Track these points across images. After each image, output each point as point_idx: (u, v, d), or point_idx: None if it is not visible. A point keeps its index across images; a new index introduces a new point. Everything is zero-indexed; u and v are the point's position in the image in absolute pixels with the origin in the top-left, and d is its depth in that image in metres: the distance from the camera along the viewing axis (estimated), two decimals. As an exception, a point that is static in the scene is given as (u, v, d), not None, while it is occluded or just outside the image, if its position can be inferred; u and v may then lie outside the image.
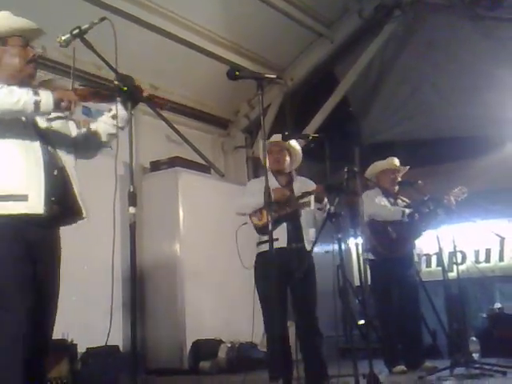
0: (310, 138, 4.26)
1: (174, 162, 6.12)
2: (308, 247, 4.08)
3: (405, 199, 5.07)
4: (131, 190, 2.34)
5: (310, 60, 7.30)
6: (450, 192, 4.79)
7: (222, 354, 5.73)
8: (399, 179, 5.05)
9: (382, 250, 4.87)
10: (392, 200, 5.03)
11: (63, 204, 2.47)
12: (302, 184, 4.26)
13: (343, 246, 3.93)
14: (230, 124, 7.68)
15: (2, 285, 2.30)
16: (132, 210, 2.32)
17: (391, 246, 4.86)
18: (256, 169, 7.35)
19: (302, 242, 4.07)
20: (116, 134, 2.67)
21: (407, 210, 4.84)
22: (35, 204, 2.38)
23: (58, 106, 2.40)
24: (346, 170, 4.12)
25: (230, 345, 5.78)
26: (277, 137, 4.26)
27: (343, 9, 7.00)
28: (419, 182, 4.86)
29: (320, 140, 4.11)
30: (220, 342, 5.83)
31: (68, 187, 2.52)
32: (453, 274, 4.86)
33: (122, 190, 2.47)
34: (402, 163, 5.15)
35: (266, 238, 4.01)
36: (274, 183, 4.11)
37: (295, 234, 4.06)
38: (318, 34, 7.09)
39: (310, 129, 6.95)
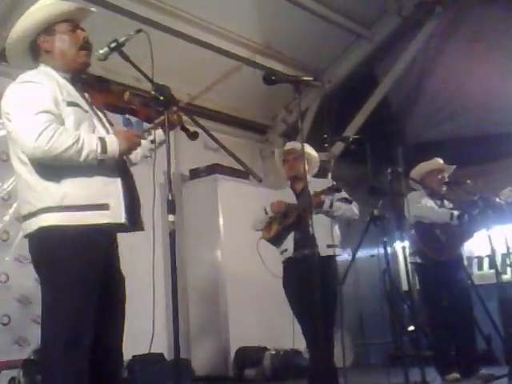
0: (350, 139, 4.18)
1: (213, 169, 6.13)
2: (323, 251, 3.91)
3: (452, 200, 4.91)
4: (170, 198, 2.33)
5: (348, 61, 7.20)
6: (500, 192, 4.61)
7: (266, 361, 5.70)
8: (446, 179, 4.90)
9: (429, 253, 4.71)
10: (439, 202, 4.88)
11: (134, 213, 2.46)
12: (321, 186, 4.13)
13: (389, 250, 3.83)
14: (268, 129, 7.65)
15: (77, 296, 2.27)
16: (171, 218, 2.31)
17: (440, 249, 4.69)
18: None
19: (312, 247, 3.99)
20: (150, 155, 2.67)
21: (456, 212, 4.67)
22: (116, 213, 2.36)
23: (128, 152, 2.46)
24: (389, 171, 4.01)
25: (274, 352, 5.74)
26: (291, 144, 4.29)
27: (382, 8, 6.87)
28: (468, 181, 4.70)
29: (361, 142, 4.04)
30: (264, 349, 5.79)
31: (136, 196, 2.51)
32: (507, 277, 4.68)
33: (163, 198, 2.45)
34: (448, 162, 5.01)
35: (280, 248, 4.17)
36: (289, 192, 4.19)
37: (304, 241, 3.96)
38: (356, 34, 6.99)
39: (351, 131, 6.85)
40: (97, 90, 2.53)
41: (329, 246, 3.99)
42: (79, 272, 2.28)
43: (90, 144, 2.29)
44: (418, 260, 4.81)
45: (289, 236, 4.06)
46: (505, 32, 6.38)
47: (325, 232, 3.98)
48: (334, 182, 3.95)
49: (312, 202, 3.85)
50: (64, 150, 2.23)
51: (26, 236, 2.41)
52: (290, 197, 4.17)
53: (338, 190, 3.90)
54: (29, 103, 2.28)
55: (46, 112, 2.27)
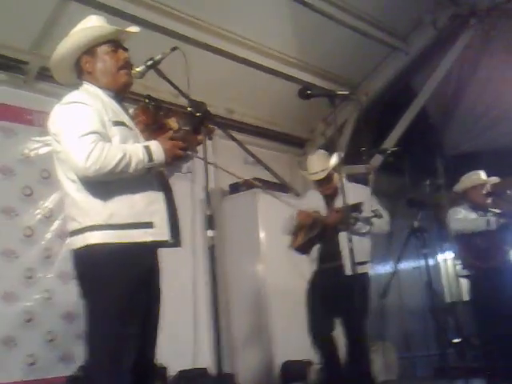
0: (389, 152, 4.18)
1: (253, 183, 6.16)
2: (348, 270, 3.88)
3: (497, 211, 4.85)
4: (208, 213, 2.36)
5: (385, 74, 7.18)
6: None
7: (312, 375, 5.66)
8: (490, 191, 4.85)
9: (473, 261, 4.68)
10: (482, 213, 4.84)
11: (175, 229, 2.50)
12: (353, 195, 3.98)
13: (431, 262, 3.80)
14: (307, 143, 7.67)
15: (119, 313, 2.30)
16: (210, 233, 2.34)
17: (482, 257, 4.66)
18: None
19: (337, 261, 3.95)
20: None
21: (492, 218, 4.64)
22: (161, 231, 2.41)
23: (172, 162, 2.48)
24: (427, 183, 4.00)
25: (319, 366, 5.69)
26: (313, 168, 4.27)
27: (417, 21, 6.85)
28: (508, 191, 4.66)
29: (399, 154, 4.04)
30: (309, 363, 5.75)
31: (176, 212, 2.54)
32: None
33: (203, 213, 2.48)
34: (488, 173, 4.96)
35: (309, 257, 4.18)
36: (318, 201, 4.18)
37: (329, 254, 3.97)
38: (392, 47, 6.98)
39: (389, 143, 6.81)
40: (150, 117, 2.56)
41: (357, 264, 3.94)
42: (123, 289, 2.31)
43: (136, 155, 2.34)
44: (467, 272, 4.77)
45: (315, 248, 4.08)
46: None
47: (349, 246, 3.96)
48: (359, 202, 3.87)
49: (330, 222, 3.89)
50: (114, 166, 2.28)
51: (71, 252, 2.44)
52: (317, 200, 4.18)
53: (359, 211, 3.83)
54: (75, 125, 2.33)
55: (93, 133, 2.32)
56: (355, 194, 4.03)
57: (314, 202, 4.19)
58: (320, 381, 5.58)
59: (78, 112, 2.37)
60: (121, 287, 2.31)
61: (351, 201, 3.90)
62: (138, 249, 2.36)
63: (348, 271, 3.92)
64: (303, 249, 4.17)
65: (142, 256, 2.38)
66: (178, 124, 2.53)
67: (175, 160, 2.49)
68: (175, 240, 2.49)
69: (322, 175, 4.12)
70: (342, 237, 3.98)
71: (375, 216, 3.87)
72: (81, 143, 2.29)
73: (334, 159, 4.17)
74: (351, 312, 3.88)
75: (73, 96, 2.44)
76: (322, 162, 4.17)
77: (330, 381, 3.99)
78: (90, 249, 2.34)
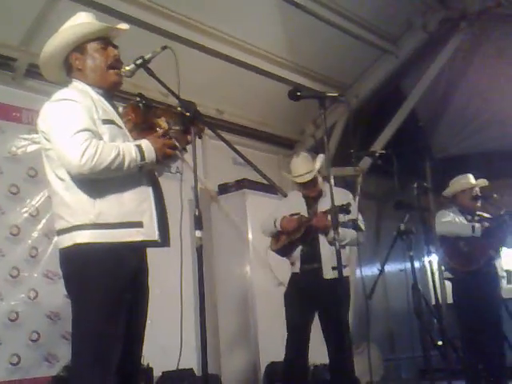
0: (377, 154, 4.19)
1: (242, 184, 6.16)
2: (327, 273, 3.91)
3: (485, 215, 4.88)
4: (196, 213, 2.35)
5: (375, 76, 7.22)
6: None
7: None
8: (479, 194, 4.88)
9: (455, 265, 4.72)
10: (469, 217, 4.87)
11: (164, 229, 2.49)
12: (338, 197, 3.99)
13: (417, 264, 3.82)
14: (296, 144, 7.68)
15: (107, 312, 2.29)
16: (198, 233, 2.33)
17: (464, 260, 4.70)
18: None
19: (317, 263, 3.95)
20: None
21: (477, 225, 4.67)
22: (150, 230, 2.40)
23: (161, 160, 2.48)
24: (415, 185, 4.02)
25: (312, 368, 5.69)
26: (297, 171, 4.22)
27: (407, 24, 6.89)
28: (494, 195, 4.70)
29: (388, 156, 4.05)
30: (294, 364, 5.75)
31: (165, 211, 2.53)
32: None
33: (192, 214, 2.46)
34: (475, 176, 4.99)
35: (289, 260, 4.12)
36: (299, 203, 4.10)
37: (310, 257, 3.97)
38: (382, 50, 7.01)
39: (378, 145, 6.85)
40: (139, 116, 2.54)
41: (334, 268, 3.89)
42: (110, 288, 2.29)
43: (129, 153, 2.34)
44: (449, 275, 4.81)
45: (296, 250, 4.04)
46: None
47: (332, 252, 3.86)
48: (347, 202, 3.81)
49: (316, 223, 3.86)
50: (109, 163, 2.28)
51: (59, 251, 2.42)
52: (298, 201, 4.14)
53: (347, 212, 3.77)
54: (67, 122, 2.32)
55: (86, 130, 2.31)
56: (338, 198, 4.02)
57: (294, 203, 4.14)
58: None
59: (69, 109, 2.36)
60: (108, 287, 2.30)
61: (328, 206, 3.93)
62: (127, 248, 2.35)
63: (326, 274, 3.92)
64: (284, 251, 4.14)
65: (130, 256, 2.37)
66: (168, 124, 2.52)
67: (165, 159, 2.49)
68: (163, 240, 2.48)
69: (308, 177, 4.07)
70: (323, 239, 3.98)
71: (354, 225, 3.84)
72: (75, 140, 2.27)
73: (318, 161, 4.14)
74: (331, 315, 3.90)
75: (63, 93, 2.43)
76: (306, 165, 4.14)
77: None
78: (77, 248, 2.32)
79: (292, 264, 4.09)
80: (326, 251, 3.93)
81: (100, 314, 2.28)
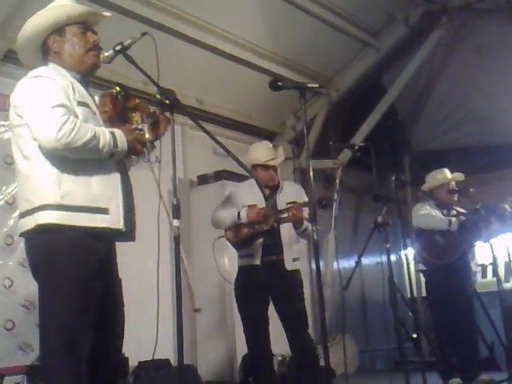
0: (356, 147, 4.21)
1: (221, 175, 6.14)
2: (288, 265, 3.90)
3: (461, 210, 4.94)
4: (174, 202, 2.34)
5: (356, 70, 7.24)
6: (506, 200, 4.66)
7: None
8: (455, 188, 4.93)
9: (430, 258, 4.78)
10: (446, 211, 4.93)
11: (129, 221, 2.44)
12: (293, 192, 4.04)
13: (394, 257, 3.86)
14: (277, 136, 7.68)
15: (74, 299, 2.25)
16: (176, 222, 2.32)
17: (439, 253, 4.76)
18: (303, 180, 7.33)
19: (278, 255, 3.91)
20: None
21: (454, 219, 4.73)
22: (115, 218, 2.35)
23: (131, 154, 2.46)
24: (393, 178, 4.05)
25: (280, 358, 5.73)
26: (272, 154, 4.10)
27: (389, 17, 6.92)
28: (471, 189, 4.76)
29: (367, 149, 4.07)
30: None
31: (132, 204, 2.49)
32: (509, 285, 4.71)
33: (170, 204, 2.44)
34: (452, 171, 5.04)
35: (242, 252, 4.03)
36: (257, 193, 3.92)
37: (272, 248, 3.91)
38: (363, 43, 7.03)
39: (358, 138, 6.88)
40: (116, 108, 2.50)
41: (294, 260, 3.95)
42: (75, 274, 2.24)
43: (104, 137, 2.31)
44: (423, 267, 4.86)
45: (257, 242, 3.94)
46: (508, 43, 6.41)
47: (291, 244, 3.94)
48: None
49: (292, 216, 3.76)
50: (84, 142, 2.24)
51: (21, 234, 2.37)
52: (255, 189, 3.96)
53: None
54: (44, 97, 2.28)
55: (62, 106, 2.27)
56: (293, 192, 4.02)
57: (250, 193, 4.00)
58: (280, 372, 5.61)
59: (46, 85, 2.32)
60: (75, 274, 2.24)
61: (287, 199, 3.91)
62: (93, 235, 2.30)
63: (288, 265, 3.91)
64: (243, 243, 4.01)
65: (97, 243, 2.32)
66: (142, 118, 2.49)
67: (133, 153, 2.47)
68: (129, 232, 2.44)
69: (278, 161, 4.02)
70: (284, 230, 3.95)
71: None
72: (53, 114, 2.23)
73: (282, 152, 4.12)
74: (290, 305, 3.93)
75: (40, 70, 2.39)
76: (272, 151, 4.08)
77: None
78: (42, 229, 2.26)
79: (249, 256, 3.97)
80: (287, 243, 3.91)
81: (67, 301, 2.24)
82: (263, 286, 3.90)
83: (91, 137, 2.26)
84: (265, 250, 3.91)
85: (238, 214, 3.95)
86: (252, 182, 3.95)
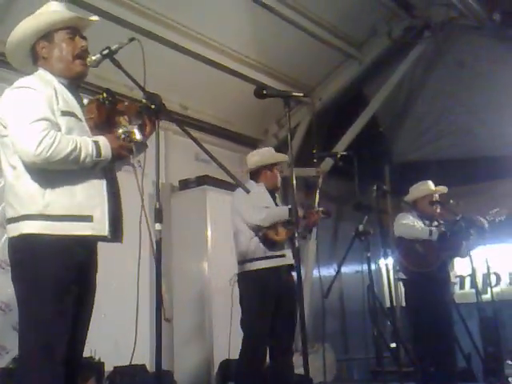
0: (338, 156, 4.24)
1: (203, 180, 6.13)
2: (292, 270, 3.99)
3: (441, 222, 4.99)
4: (157, 206, 2.34)
5: (338, 80, 7.30)
6: (488, 212, 4.72)
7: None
8: (438, 200, 4.99)
9: (410, 266, 4.81)
10: (428, 222, 4.98)
11: (116, 225, 2.46)
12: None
13: (374, 266, 3.88)
14: (259, 143, 7.70)
15: (52, 304, 2.27)
16: (158, 226, 2.32)
17: (418, 262, 4.79)
18: (285, 187, 7.34)
19: (285, 259, 3.98)
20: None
21: (434, 229, 4.78)
22: (100, 225, 2.37)
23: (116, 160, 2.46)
24: (374, 188, 4.08)
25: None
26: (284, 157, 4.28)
27: (372, 30, 7.00)
28: (451, 201, 4.81)
29: (349, 158, 4.10)
30: (248, 362, 5.76)
31: (119, 207, 2.51)
32: (487, 297, 4.76)
33: (151, 208, 2.44)
34: (433, 183, 5.10)
35: (274, 252, 3.97)
36: (268, 196, 4.10)
37: (293, 251, 3.91)
38: (346, 54, 7.10)
39: (339, 148, 6.90)
40: (103, 114, 2.50)
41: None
42: (54, 281, 2.27)
43: (86, 148, 2.32)
44: (402, 276, 4.89)
45: (288, 243, 3.99)
46: (489, 59, 6.52)
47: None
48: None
49: (313, 222, 3.95)
50: (64, 156, 2.26)
51: (7, 239, 2.41)
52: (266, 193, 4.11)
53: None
54: (26, 110, 2.30)
55: (44, 119, 2.29)
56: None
57: (266, 196, 4.12)
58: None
59: (28, 97, 2.34)
60: (54, 278, 2.27)
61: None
62: (75, 242, 2.33)
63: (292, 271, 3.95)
64: (280, 244, 4.02)
65: (77, 249, 2.34)
66: (129, 123, 2.50)
67: (119, 160, 2.49)
68: (115, 235, 2.45)
69: (288, 160, 4.04)
70: None
71: None
72: (32, 129, 2.26)
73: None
74: (293, 315, 3.91)
75: (24, 81, 2.40)
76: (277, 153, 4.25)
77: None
78: (25, 238, 2.30)
79: (281, 256, 3.97)
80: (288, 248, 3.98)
81: (46, 304, 2.26)
82: (278, 290, 3.88)
83: (72, 149, 2.28)
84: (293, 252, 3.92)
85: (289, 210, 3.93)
86: (260, 185, 4.12)
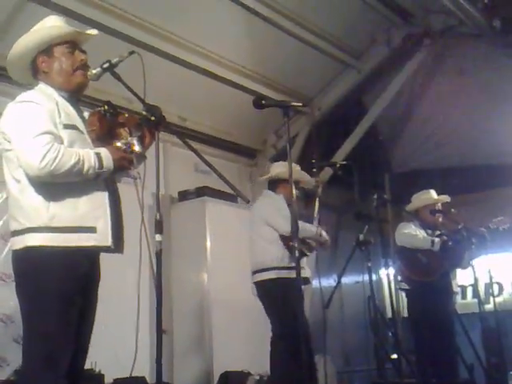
0: (338, 165, 4.24)
1: (202, 191, 6.13)
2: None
3: (444, 232, 4.98)
4: (157, 217, 2.35)
5: (337, 90, 7.29)
6: (492, 221, 4.72)
7: (250, 386, 5.63)
8: (440, 209, 4.98)
9: (413, 276, 4.80)
10: (430, 231, 4.96)
11: (118, 235, 2.49)
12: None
13: (374, 276, 3.86)
14: (258, 154, 7.70)
15: (56, 317, 2.29)
16: (158, 237, 2.33)
17: (422, 271, 4.78)
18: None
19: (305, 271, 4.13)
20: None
21: (437, 240, 4.76)
22: (103, 236, 2.40)
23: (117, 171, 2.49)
24: (375, 197, 4.08)
25: (258, 377, 5.68)
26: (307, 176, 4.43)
27: (371, 39, 7.00)
28: (452, 210, 4.81)
29: (348, 167, 4.10)
30: (248, 374, 5.73)
31: (120, 217, 2.54)
32: (489, 307, 4.73)
33: (151, 219, 2.47)
34: (434, 191, 5.09)
35: (293, 264, 3.99)
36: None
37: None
38: (345, 64, 7.09)
39: (339, 157, 6.90)
40: (105, 126, 2.53)
41: None
42: (60, 293, 2.30)
43: (88, 160, 2.35)
44: (405, 286, 4.87)
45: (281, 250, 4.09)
46: (490, 67, 6.52)
47: None
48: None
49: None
50: (68, 169, 2.30)
51: (12, 252, 2.43)
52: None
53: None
54: (29, 124, 2.33)
55: (47, 133, 2.32)
56: None
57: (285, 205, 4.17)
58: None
59: (31, 111, 2.37)
60: (58, 290, 2.30)
61: None
62: (78, 253, 2.35)
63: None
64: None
65: (81, 260, 2.37)
66: (130, 134, 2.53)
67: (120, 171, 2.52)
68: (117, 246, 2.49)
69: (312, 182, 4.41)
70: None
71: None
72: (36, 142, 2.29)
73: None
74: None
75: (26, 95, 2.44)
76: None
77: None
78: (29, 251, 2.33)
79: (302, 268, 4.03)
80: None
81: (51, 316, 2.28)
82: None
83: (75, 162, 2.31)
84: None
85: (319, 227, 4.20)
86: (280, 196, 4.22)
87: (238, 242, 6.12)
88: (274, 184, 4.35)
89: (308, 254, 4.19)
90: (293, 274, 3.94)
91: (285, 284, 4.03)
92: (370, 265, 3.81)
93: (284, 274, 4.07)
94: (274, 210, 4.09)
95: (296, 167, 4.38)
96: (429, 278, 4.73)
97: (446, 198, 5.02)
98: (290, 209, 4.17)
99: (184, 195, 6.29)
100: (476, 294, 5.27)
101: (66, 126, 2.42)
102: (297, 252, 3.02)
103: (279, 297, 4.08)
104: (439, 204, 4.97)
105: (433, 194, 5.03)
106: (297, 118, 7.24)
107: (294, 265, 3.95)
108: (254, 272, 4.19)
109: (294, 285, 3.87)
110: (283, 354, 4.02)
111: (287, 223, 3.93)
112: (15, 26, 4.49)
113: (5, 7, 4.53)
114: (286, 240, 4.07)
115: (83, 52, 2.59)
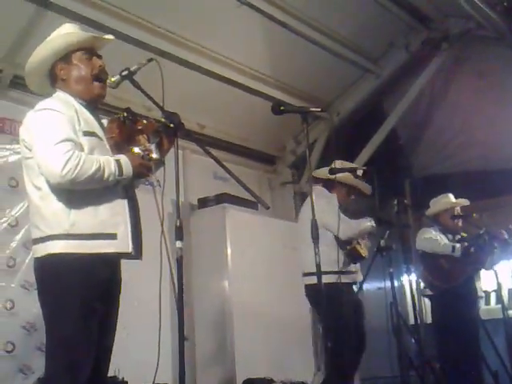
0: (358, 171, 4.22)
1: (222, 198, 6.14)
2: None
3: (465, 235, 4.92)
4: (178, 224, 2.36)
5: (356, 95, 7.27)
6: (508, 226, 4.66)
7: (273, 393, 5.61)
8: (460, 213, 4.93)
9: (435, 281, 4.76)
10: (451, 236, 4.92)
11: (137, 242, 2.50)
12: None
13: (396, 282, 3.83)
14: (277, 160, 7.70)
15: (79, 324, 2.29)
16: (179, 244, 2.35)
17: (445, 276, 4.73)
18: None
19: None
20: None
21: (458, 245, 4.71)
22: (124, 242, 2.42)
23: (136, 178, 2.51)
24: (395, 202, 4.05)
25: (280, 384, 5.67)
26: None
27: (389, 44, 6.98)
28: (474, 214, 4.75)
29: (368, 173, 4.08)
30: (271, 381, 5.71)
31: (139, 224, 2.56)
32: (514, 312, 4.66)
33: (171, 227, 2.48)
34: (455, 196, 5.04)
35: (350, 268, 4.05)
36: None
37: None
38: (364, 69, 7.07)
39: (359, 162, 6.82)
40: (124, 133, 2.54)
41: None
42: (80, 300, 2.30)
43: (109, 167, 2.37)
44: (429, 292, 4.83)
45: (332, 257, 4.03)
46: (508, 70, 6.44)
47: None
48: None
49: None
50: (89, 176, 2.31)
51: (34, 260, 2.45)
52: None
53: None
54: (50, 132, 2.34)
55: (68, 140, 2.33)
56: None
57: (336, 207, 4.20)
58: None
59: (52, 119, 2.38)
60: (80, 297, 2.30)
61: None
62: (99, 259, 2.36)
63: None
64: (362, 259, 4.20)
65: (102, 267, 2.38)
66: (148, 141, 2.55)
67: (138, 178, 2.54)
68: (137, 252, 2.50)
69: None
70: None
71: None
72: (57, 150, 2.30)
73: None
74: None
75: (46, 103, 2.45)
76: None
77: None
78: (51, 258, 2.34)
79: (355, 273, 4.12)
80: None
81: (72, 323, 2.28)
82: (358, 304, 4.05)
83: (96, 169, 2.32)
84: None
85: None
86: (333, 196, 4.23)
87: (259, 249, 6.13)
88: (332, 183, 4.29)
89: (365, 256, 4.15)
90: (349, 279, 3.98)
91: (342, 289, 4.02)
92: (391, 270, 3.78)
93: (340, 278, 4.02)
94: (329, 211, 4.03)
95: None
96: (452, 283, 4.68)
97: (464, 202, 4.96)
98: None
99: (204, 202, 6.30)
100: (500, 299, 5.19)
101: (86, 133, 2.43)
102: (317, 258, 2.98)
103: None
104: (458, 208, 4.92)
105: (451, 197, 4.98)
106: (316, 124, 7.23)
107: (348, 269, 4.03)
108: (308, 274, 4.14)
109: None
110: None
111: (348, 227, 4.03)
112: (33, 36, 4.53)
113: (22, 16, 4.58)
114: (343, 243, 4.05)
115: (100, 57, 2.61)
